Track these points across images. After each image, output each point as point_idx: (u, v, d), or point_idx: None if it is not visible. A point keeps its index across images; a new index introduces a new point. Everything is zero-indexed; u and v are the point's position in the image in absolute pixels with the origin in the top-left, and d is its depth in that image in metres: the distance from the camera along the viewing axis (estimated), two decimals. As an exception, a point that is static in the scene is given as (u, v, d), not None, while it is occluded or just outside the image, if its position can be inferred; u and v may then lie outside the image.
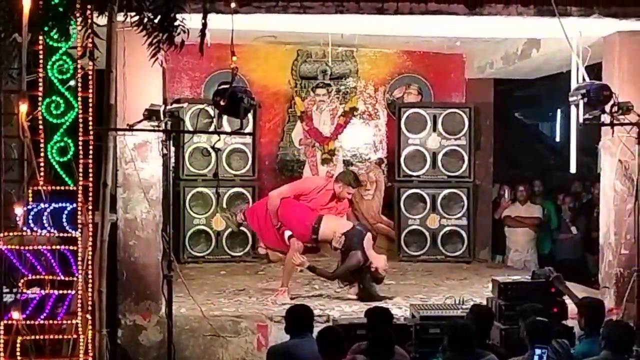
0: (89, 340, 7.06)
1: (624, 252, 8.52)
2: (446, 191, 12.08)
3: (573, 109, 8.23)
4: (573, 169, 9.52)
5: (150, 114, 7.20)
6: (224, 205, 11.70)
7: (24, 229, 7.00)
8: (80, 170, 7.02)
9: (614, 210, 8.64)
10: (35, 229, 7.01)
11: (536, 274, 8.05)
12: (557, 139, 17.64)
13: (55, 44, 6.92)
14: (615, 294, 8.57)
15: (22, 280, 7.04)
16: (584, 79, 8.15)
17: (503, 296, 7.78)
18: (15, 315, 7.00)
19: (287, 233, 9.34)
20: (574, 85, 8.31)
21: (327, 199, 9.50)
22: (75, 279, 7.08)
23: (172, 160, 9.80)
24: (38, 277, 7.08)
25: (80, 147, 7.02)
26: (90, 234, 7.09)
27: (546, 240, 12.66)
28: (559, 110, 17.02)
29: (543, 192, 13.01)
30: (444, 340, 6.46)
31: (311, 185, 9.79)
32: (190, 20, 6.14)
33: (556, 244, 12.72)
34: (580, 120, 7.70)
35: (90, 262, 7.08)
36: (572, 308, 7.59)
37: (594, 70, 8.76)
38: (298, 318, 6.78)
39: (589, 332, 6.95)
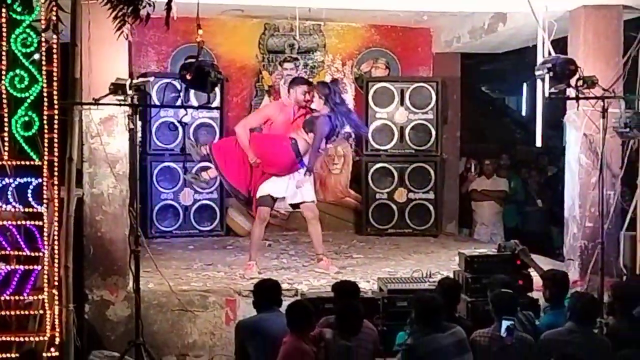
0: (56, 316, 7.04)
1: (588, 225, 8.61)
2: (414, 165, 12.11)
3: (539, 83, 8.28)
4: (539, 142, 9.59)
5: (116, 88, 7.14)
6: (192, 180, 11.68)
7: (-11, 204, 6.96)
8: (46, 144, 6.97)
9: (578, 183, 8.72)
10: (0, 204, 6.97)
11: (502, 247, 8.11)
12: (524, 113, 17.73)
13: (18, 17, 6.85)
14: (580, 266, 8.67)
15: (-13, 256, 7.02)
16: (549, 53, 8.21)
17: (469, 269, 7.84)
18: (-19, 290, 6.97)
19: (260, 192, 9.11)
20: (540, 59, 8.35)
21: (291, 115, 9.27)
22: (41, 254, 7.05)
23: (139, 134, 9.75)
24: (3, 252, 7.05)
25: (45, 122, 6.97)
26: (56, 209, 7.06)
27: (512, 213, 12.76)
28: (525, 85, 17.10)
29: (510, 166, 13.09)
30: (411, 313, 6.51)
31: (273, 106, 9.69)
32: (156, -7, 6.09)
33: (522, 217, 12.82)
34: (546, 94, 7.76)
35: (56, 238, 7.05)
36: (537, 280, 7.68)
37: (560, 44, 8.81)
38: (266, 292, 6.79)
39: (554, 304, 7.04)
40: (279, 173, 9.11)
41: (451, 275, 8.17)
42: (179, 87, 10.19)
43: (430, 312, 6.23)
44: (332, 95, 9.06)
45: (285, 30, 12.45)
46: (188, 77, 6.76)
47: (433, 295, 6.59)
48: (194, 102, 9.25)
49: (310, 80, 10.64)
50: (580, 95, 7.70)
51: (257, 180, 9.09)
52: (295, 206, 9.53)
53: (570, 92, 7.82)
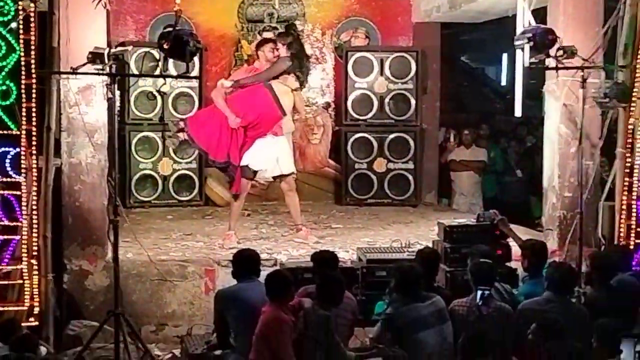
0: (35, 286, 7.04)
1: (567, 194, 8.64)
2: (393, 135, 12.11)
3: (519, 52, 8.27)
4: (518, 112, 9.60)
5: (95, 57, 7.09)
6: (170, 151, 11.64)
7: (-34, 173, 6.93)
8: (24, 114, 6.94)
9: (558, 153, 8.74)
10: (-23, 174, 6.94)
11: (481, 216, 8.14)
12: (503, 83, 17.76)
13: (-5, -15, 6.79)
14: (559, 236, 8.70)
15: (-35, 226, 6.99)
16: (529, 23, 8.20)
17: (448, 239, 7.87)
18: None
19: (244, 162, 9.07)
20: (519, 29, 8.33)
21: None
22: (19, 224, 7.04)
23: (118, 104, 9.69)
24: (-19, 222, 7.03)
25: (23, 91, 6.93)
26: (35, 178, 7.04)
27: (491, 183, 12.80)
28: (504, 55, 17.11)
29: (489, 136, 13.11)
30: (390, 283, 6.54)
31: (244, 71, 9.68)
32: (134, -39, 6.04)
33: (501, 187, 12.87)
34: (526, 64, 7.76)
35: (34, 207, 7.03)
36: (516, 250, 7.72)
37: (540, 14, 8.79)
38: (245, 262, 6.79)
39: (532, 273, 7.09)
40: (264, 128, 9.08)
41: (430, 245, 8.20)
42: (157, 56, 10.08)
43: (409, 282, 6.27)
44: (294, 41, 9.23)
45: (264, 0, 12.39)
46: (166, 46, 6.72)
47: (412, 265, 6.62)
48: (172, 71, 9.15)
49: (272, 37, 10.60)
50: (560, 66, 7.71)
51: (239, 147, 9.04)
52: (275, 178, 9.51)
53: (550, 62, 7.82)
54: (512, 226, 8.08)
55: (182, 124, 9.26)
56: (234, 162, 8.98)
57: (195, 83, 11.56)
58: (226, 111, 8.96)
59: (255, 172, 9.20)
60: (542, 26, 7.88)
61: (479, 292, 6.23)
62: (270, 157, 9.14)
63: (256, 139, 9.03)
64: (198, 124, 9.20)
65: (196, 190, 11.88)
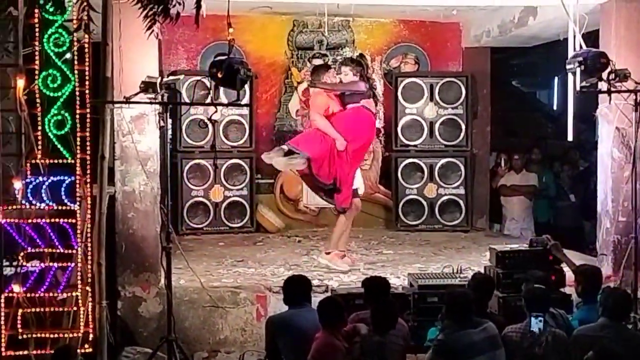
0: (89, 312, 7.10)
1: (621, 219, 8.54)
2: (443, 160, 12.09)
3: (570, 76, 8.22)
4: (570, 136, 9.53)
5: (147, 86, 7.18)
6: (222, 177, 11.72)
7: (23, 202, 7.03)
8: (78, 143, 7.03)
9: (611, 177, 8.65)
10: (34, 202, 7.04)
11: (534, 242, 8.06)
12: (555, 107, 17.63)
13: (51, 17, 6.92)
14: (613, 261, 8.60)
15: (21, 254, 7.08)
16: (580, 47, 8.14)
17: (501, 265, 7.80)
18: (16, 288, 7.03)
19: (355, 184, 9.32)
20: (571, 53, 8.28)
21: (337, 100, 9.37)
22: (74, 251, 7.11)
23: (169, 132, 9.79)
24: (38, 250, 7.11)
25: (78, 120, 7.03)
26: (89, 206, 7.11)
27: (544, 208, 12.68)
28: (556, 78, 16.99)
29: (541, 160, 13.01)
30: (443, 309, 6.50)
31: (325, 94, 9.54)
32: (186, -8, 6.12)
33: (554, 211, 12.75)
34: (577, 88, 7.70)
35: (89, 235, 7.10)
36: (570, 275, 7.62)
37: (591, 37, 8.74)
38: (297, 288, 6.80)
39: (587, 299, 6.99)
40: (366, 144, 9.38)
41: (482, 271, 8.14)
42: (208, 84, 10.21)
43: (461, 308, 6.22)
44: (364, 70, 9.39)
45: (313, 27, 12.46)
46: (218, 74, 6.78)
47: (465, 291, 6.59)
48: (223, 99, 9.26)
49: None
50: (612, 89, 7.63)
51: (348, 171, 9.18)
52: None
53: (602, 85, 7.75)
54: (566, 251, 7.99)
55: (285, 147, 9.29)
56: (341, 186, 9.13)
57: (245, 111, 11.64)
58: (336, 135, 9.05)
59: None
60: (594, 50, 7.82)
61: (533, 319, 6.17)
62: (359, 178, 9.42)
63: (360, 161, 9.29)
64: (306, 144, 9.18)
65: (247, 217, 11.92)
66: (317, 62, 12.16)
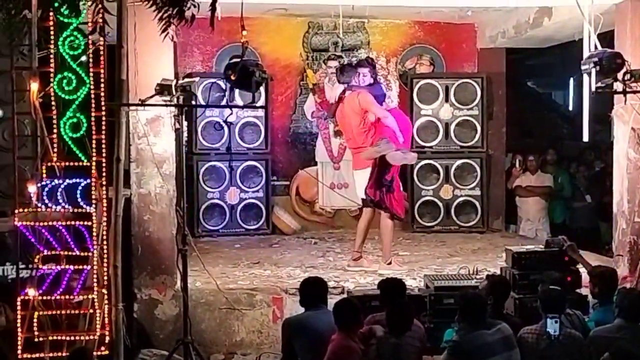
0: (106, 315, 7.12)
1: (637, 220, 8.51)
2: (459, 161, 12.07)
3: (585, 77, 8.20)
4: (586, 137, 9.51)
5: (162, 88, 7.21)
6: (238, 179, 11.73)
7: (39, 205, 7.05)
8: (94, 145, 7.05)
9: (627, 178, 8.62)
10: (49, 205, 7.05)
11: (550, 243, 8.04)
12: (570, 108, 17.58)
13: (65, 20, 6.93)
14: (629, 261, 8.56)
15: (37, 256, 7.10)
16: (596, 47, 8.11)
17: (517, 266, 7.77)
18: (31, 292, 7.06)
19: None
20: (586, 53, 8.26)
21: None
22: (90, 254, 7.13)
23: (185, 134, 9.83)
24: (53, 252, 7.13)
25: (93, 123, 7.05)
26: (105, 209, 7.13)
27: (560, 209, 12.65)
28: (571, 79, 16.95)
29: (556, 161, 12.98)
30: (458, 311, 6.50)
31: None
32: (200, -6, 6.13)
33: (570, 212, 12.71)
34: (593, 89, 7.68)
35: (105, 237, 7.12)
36: (586, 276, 7.59)
37: (606, 38, 8.70)
38: (313, 290, 6.80)
39: (602, 300, 6.97)
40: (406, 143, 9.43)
41: (498, 272, 8.12)
42: (224, 86, 10.23)
43: (474, 310, 6.21)
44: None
45: (329, 28, 12.46)
46: (233, 77, 6.79)
47: (477, 292, 6.58)
48: (239, 101, 9.28)
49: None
50: (628, 89, 7.60)
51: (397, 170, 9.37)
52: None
53: (618, 86, 7.72)
54: (582, 252, 7.96)
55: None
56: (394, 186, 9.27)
57: (261, 112, 11.66)
58: (397, 129, 9.22)
59: None
60: (609, 50, 7.79)
61: (549, 320, 6.14)
62: None
63: None
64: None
65: (263, 219, 11.94)
66: (332, 63, 12.17)
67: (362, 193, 9.32)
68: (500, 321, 6.29)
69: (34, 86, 6.97)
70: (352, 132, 9.36)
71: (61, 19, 6.92)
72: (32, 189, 7.05)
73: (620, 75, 7.53)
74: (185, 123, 8.11)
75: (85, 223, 7.11)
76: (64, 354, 7.06)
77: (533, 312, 6.68)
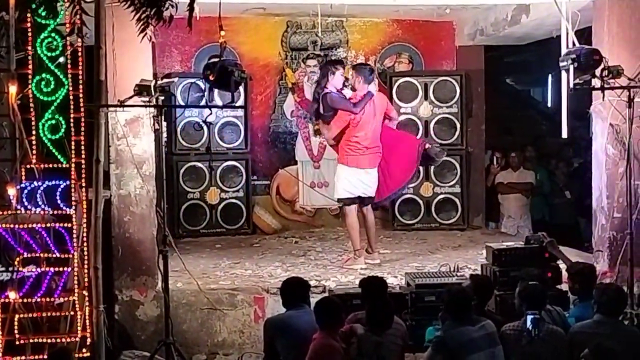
0: (87, 317, 7.10)
1: (616, 215, 8.54)
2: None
3: (564, 74, 8.23)
4: (565, 134, 9.54)
5: (141, 89, 7.19)
6: (218, 179, 11.72)
7: (18, 207, 7.03)
8: (73, 147, 7.03)
9: (606, 174, 8.66)
10: (29, 207, 7.03)
11: (529, 239, 8.08)
12: (549, 105, 17.64)
13: (43, 21, 6.91)
14: (609, 257, 8.60)
15: (17, 259, 7.08)
16: (574, 44, 8.16)
17: (497, 263, 7.82)
18: (12, 294, 7.03)
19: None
20: (564, 50, 8.30)
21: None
22: (70, 256, 7.11)
23: (165, 135, 9.77)
24: (34, 255, 7.11)
25: (72, 124, 7.02)
26: (85, 210, 7.12)
27: (540, 205, 12.71)
28: (550, 76, 17.01)
29: (535, 158, 13.04)
30: (442, 308, 6.52)
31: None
32: (178, -6, 6.12)
33: (550, 209, 12.77)
34: (571, 85, 7.71)
35: (85, 239, 7.10)
36: (566, 273, 7.64)
37: (584, 34, 8.76)
38: (294, 290, 6.81)
39: (582, 296, 7.01)
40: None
41: (478, 269, 8.16)
42: (203, 86, 10.20)
43: (460, 305, 6.24)
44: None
45: (307, 27, 12.45)
46: (212, 77, 6.79)
47: (463, 288, 6.60)
48: (218, 101, 9.28)
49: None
50: (606, 86, 7.64)
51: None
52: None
53: (596, 82, 7.75)
54: (562, 248, 8.01)
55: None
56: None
57: (240, 112, 11.64)
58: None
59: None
60: (587, 47, 7.83)
61: (529, 317, 6.17)
62: None
63: None
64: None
65: (244, 219, 11.92)
66: (311, 62, 12.19)
67: (343, 191, 9.37)
68: (484, 318, 6.32)
69: (12, 89, 6.94)
70: (376, 131, 9.49)
71: (39, 20, 6.89)
72: (11, 191, 7.02)
73: (598, 72, 7.57)
74: (164, 123, 8.06)
75: (65, 225, 7.09)
76: (45, 357, 7.04)
77: (514, 309, 6.70)
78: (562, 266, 7.74)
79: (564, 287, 7.60)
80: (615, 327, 6.25)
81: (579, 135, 12.23)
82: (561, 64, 7.74)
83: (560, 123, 9.56)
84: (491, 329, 6.23)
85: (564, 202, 12.69)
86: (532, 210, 12.50)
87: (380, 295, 6.75)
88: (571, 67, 7.50)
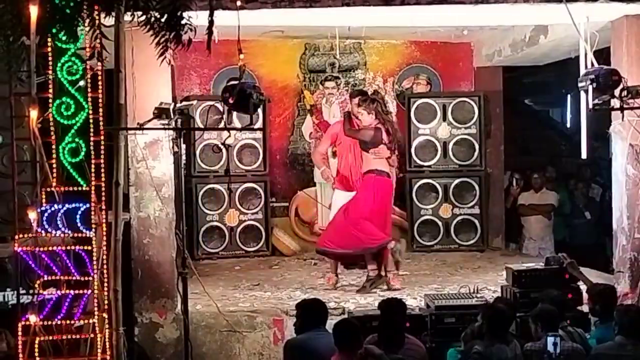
0: (107, 339, 7.10)
1: (637, 236, 8.50)
2: (458, 180, 12.08)
3: (583, 94, 8.21)
4: (584, 154, 9.50)
5: (160, 112, 7.23)
6: (237, 201, 11.73)
7: (39, 230, 7.04)
8: (93, 170, 7.05)
9: (626, 194, 8.62)
10: (49, 230, 7.04)
11: (550, 260, 8.04)
12: (568, 125, 17.59)
13: (63, 46, 6.93)
14: (630, 278, 8.55)
15: (38, 282, 7.09)
16: (592, 64, 8.14)
17: (517, 284, 7.78)
18: (32, 317, 7.04)
19: None
20: (582, 70, 8.28)
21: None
22: (90, 278, 7.11)
23: (184, 157, 9.84)
24: (54, 277, 7.12)
25: (92, 148, 7.05)
26: (104, 233, 7.13)
27: (560, 226, 12.65)
28: (569, 96, 16.97)
29: (556, 178, 12.99)
30: (467, 329, 6.54)
31: (338, 126, 9.85)
32: (197, 18, 6.16)
33: (570, 230, 12.71)
34: (590, 106, 7.68)
35: (105, 262, 7.11)
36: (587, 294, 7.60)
37: (603, 54, 8.73)
38: (312, 312, 6.79)
39: (603, 317, 6.97)
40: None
41: (499, 290, 8.12)
42: (221, 109, 10.22)
43: (501, 323, 6.33)
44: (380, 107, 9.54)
45: (325, 50, 12.51)
46: (230, 99, 6.81)
47: (504, 308, 6.59)
48: (237, 123, 9.31)
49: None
50: (625, 106, 7.62)
51: None
52: None
53: (615, 102, 7.73)
54: (583, 269, 7.96)
55: None
56: None
57: (259, 134, 11.68)
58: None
59: None
60: (606, 67, 7.81)
61: (549, 338, 6.15)
62: None
63: None
64: None
65: (263, 241, 11.94)
66: (330, 84, 12.23)
67: None
68: (513, 338, 6.37)
69: (33, 113, 6.98)
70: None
71: (59, 44, 6.93)
72: (32, 215, 7.05)
73: (617, 92, 7.55)
74: (183, 146, 8.14)
75: (85, 247, 7.10)
76: (65, 380, 7.06)
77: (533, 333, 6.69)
78: (583, 287, 7.70)
79: (585, 308, 7.56)
80: (637, 349, 6.20)
81: (598, 155, 12.21)
82: (580, 85, 7.72)
83: (579, 143, 9.53)
84: (518, 350, 6.30)
85: (584, 222, 12.62)
86: (554, 231, 12.43)
87: (400, 318, 6.72)
88: (590, 88, 7.48)
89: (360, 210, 9.30)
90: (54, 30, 6.70)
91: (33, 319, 7.03)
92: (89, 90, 7.04)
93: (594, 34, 8.43)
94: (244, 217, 11.85)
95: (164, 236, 8.40)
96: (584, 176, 13.29)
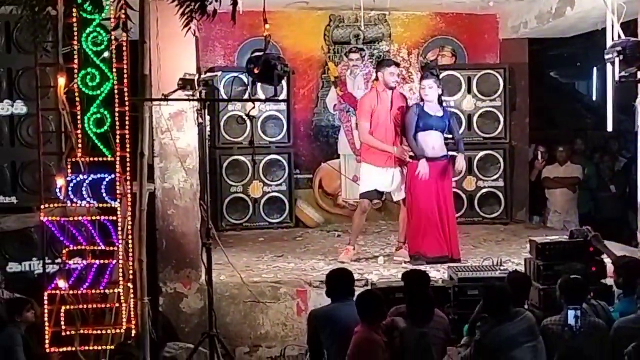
0: (132, 309, 7.17)
1: (662, 209, 8.46)
2: (482, 153, 12.04)
3: (609, 67, 8.15)
4: (610, 127, 9.44)
5: (185, 83, 7.25)
6: (261, 173, 11.75)
7: (65, 200, 7.11)
8: (118, 141, 7.09)
9: (651, 168, 8.58)
10: (75, 200, 7.11)
11: (574, 233, 8.01)
12: (594, 98, 17.46)
13: (89, 17, 6.97)
14: (654, 252, 8.52)
15: (64, 251, 7.16)
16: (619, 37, 8.07)
17: (541, 257, 7.75)
18: (61, 283, 7.11)
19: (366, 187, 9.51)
20: (609, 43, 8.21)
21: (388, 102, 9.52)
22: (115, 248, 7.18)
23: (208, 129, 9.85)
24: (80, 247, 7.19)
25: (117, 119, 7.09)
26: (129, 204, 7.18)
27: (585, 199, 12.57)
28: (595, 69, 16.83)
29: (583, 151, 12.92)
30: (478, 306, 6.53)
31: (371, 98, 9.67)
32: (222, -11, 6.14)
33: (595, 203, 12.64)
34: (617, 78, 7.63)
35: (130, 232, 7.17)
36: (611, 267, 7.56)
37: (630, 27, 8.65)
38: (339, 282, 6.80)
39: (627, 291, 6.93)
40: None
41: (522, 263, 8.10)
42: (246, 80, 10.23)
43: (498, 302, 6.24)
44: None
45: (350, 21, 12.46)
46: (255, 71, 6.81)
47: (502, 285, 6.56)
48: (261, 95, 9.31)
49: (397, 61, 10.58)
50: (652, 79, 7.56)
51: None
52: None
53: (642, 75, 7.68)
54: (608, 242, 7.93)
55: None
56: None
57: (283, 106, 11.67)
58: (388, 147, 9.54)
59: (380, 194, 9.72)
60: (633, 39, 7.74)
61: (570, 312, 6.14)
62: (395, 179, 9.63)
63: None
64: None
65: (287, 212, 11.96)
66: (354, 56, 12.20)
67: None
68: (525, 310, 6.31)
69: (61, 81, 7.02)
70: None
71: (84, 15, 6.97)
72: (60, 182, 7.10)
73: (644, 65, 7.48)
74: (208, 117, 8.14)
75: (111, 218, 7.16)
76: (91, 348, 7.13)
77: (557, 303, 6.66)
78: (607, 261, 7.66)
79: (609, 281, 7.53)
80: (661, 323, 6.18)
81: (624, 128, 12.11)
82: (606, 57, 7.66)
83: (605, 116, 9.47)
84: (531, 321, 6.23)
85: (609, 196, 12.54)
86: (579, 205, 12.37)
87: (421, 289, 6.73)
88: (617, 60, 7.42)
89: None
90: (79, 1, 6.73)
91: (62, 284, 7.11)
92: (114, 61, 7.08)
93: (621, 5, 8.33)
94: (268, 189, 11.87)
95: (188, 207, 8.44)
96: (610, 149, 13.19)
